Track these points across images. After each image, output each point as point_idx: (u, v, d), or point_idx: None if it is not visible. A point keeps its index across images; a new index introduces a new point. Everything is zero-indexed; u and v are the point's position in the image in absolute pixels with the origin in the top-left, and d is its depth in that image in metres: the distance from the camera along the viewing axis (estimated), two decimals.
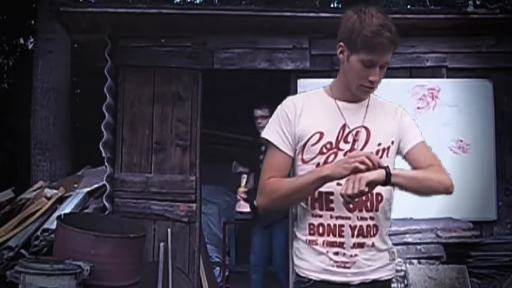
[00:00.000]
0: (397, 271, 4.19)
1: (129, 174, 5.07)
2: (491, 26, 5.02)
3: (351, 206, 1.85)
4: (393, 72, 5.01)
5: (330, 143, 1.90)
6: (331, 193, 1.87)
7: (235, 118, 6.89)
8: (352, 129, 1.91)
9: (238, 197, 5.05)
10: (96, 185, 5.37)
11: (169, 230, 4.96)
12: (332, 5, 10.22)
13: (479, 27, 5.04)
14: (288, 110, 1.95)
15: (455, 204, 4.74)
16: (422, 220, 4.64)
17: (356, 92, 1.92)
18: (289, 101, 2.00)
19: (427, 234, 4.59)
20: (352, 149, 1.90)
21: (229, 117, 7.11)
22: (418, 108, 5.05)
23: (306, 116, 1.93)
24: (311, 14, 4.97)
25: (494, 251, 4.78)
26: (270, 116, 3.52)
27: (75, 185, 5.47)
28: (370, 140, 1.91)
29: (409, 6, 8.79)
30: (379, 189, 1.84)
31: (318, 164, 1.89)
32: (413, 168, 1.95)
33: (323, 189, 1.87)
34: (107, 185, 5.00)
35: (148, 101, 5.14)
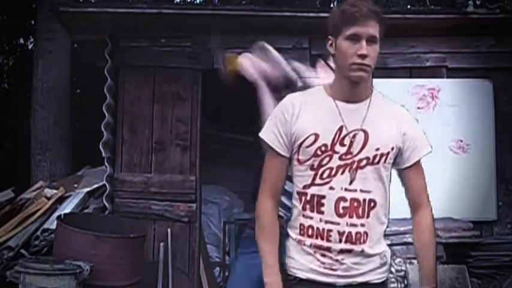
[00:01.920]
0: (397, 271, 4.19)
1: (129, 174, 5.07)
2: (491, 26, 5.02)
3: (341, 211, 1.85)
4: (393, 72, 5.03)
5: (325, 145, 1.87)
6: (323, 196, 1.86)
7: (236, 118, 6.88)
8: (350, 132, 1.87)
9: None
10: (96, 185, 5.37)
11: (169, 230, 4.96)
12: (332, 5, 10.20)
13: (479, 27, 5.04)
14: (285, 110, 1.94)
15: (455, 204, 4.75)
16: None
17: (351, 74, 1.85)
18: (287, 100, 1.98)
19: None
20: (348, 152, 1.87)
21: (229, 117, 7.11)
22: (418, 108, 5.05)
23: (303, 116, 1.91)
24: (311, 14, 4.97)
25: (494, 251, 4.78)
26: None
27: (75, 185, 5.47)
28: (367, 144, 1.87)
29: (409, 6, 8.78)
30: (372, 195, 1.85)
31: (312, 166, 1.88)
32: (402, 182, 1.98)
33: (315, 192, 1.87)
34: (107, 185, 5.00)
35: (148, 101, 5.14)
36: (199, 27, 5.05)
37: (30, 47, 9.69)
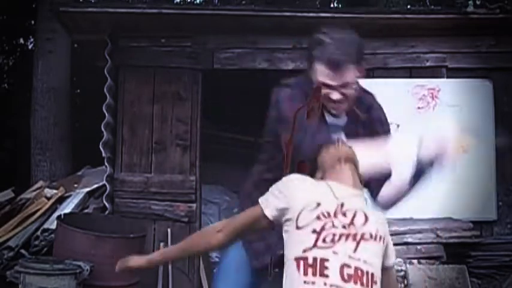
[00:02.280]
0: (397, 271, 4.19)
1: (129, 174, 5.07)
2: (491, 26, 5.02)
3: (346, 277, 1.76)
4: (393, 72, 5.02)
5: (328, 212, 1.82)
6: (327, 259, 1.77)
7: (236, 118, 6.89)
8: (351, 209, 1.84)
9: None
10: (96, 185, 5.37)
11: (169, 230, 4.96)
12: (332, 5, 10.21)
13: (479, 27, 5.04)
14: (285, 185, 1.92)
15: (455, 204, 4.74)
16: (422, 220, 4.64)
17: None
18: (289, 177, 1.96)
19: (427, 234, 4.59)
20: (351, 223, 1.82)
21: (229, 117, 7.12)
22: (418, 108, 5.04)
23: (302, 191, 1.88)
24: (311, 14, 4.97)
25: (494, 251, 4.79)
26: None
27: (75, 185, 5.47)
28: (368, 222, 1.84)
29: (409, 6, 8.78)
30: (374, 269, 1.80)
31: (314, 229, 1.80)
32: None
33: (318, 255, 1.78)
34: (107, 185, 5.00)
35: (148, 101, 5.14)
36: (199, 27, 5.05)
37: (30, 47, 9.68)
